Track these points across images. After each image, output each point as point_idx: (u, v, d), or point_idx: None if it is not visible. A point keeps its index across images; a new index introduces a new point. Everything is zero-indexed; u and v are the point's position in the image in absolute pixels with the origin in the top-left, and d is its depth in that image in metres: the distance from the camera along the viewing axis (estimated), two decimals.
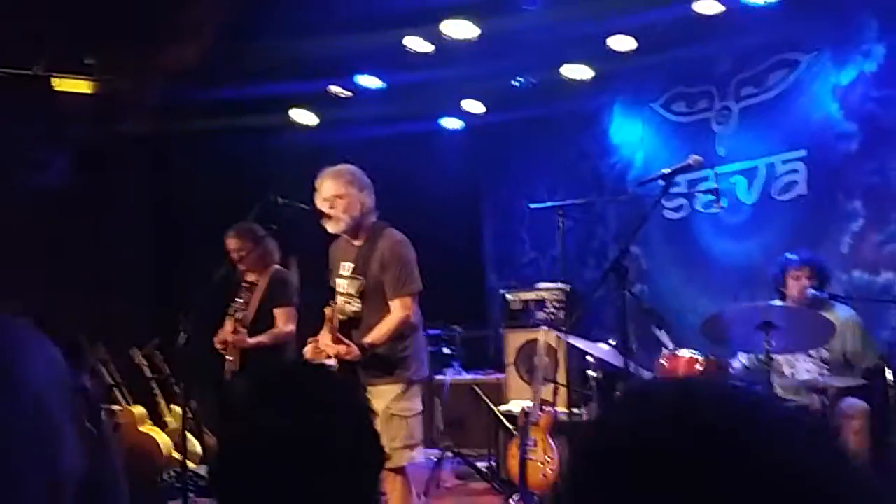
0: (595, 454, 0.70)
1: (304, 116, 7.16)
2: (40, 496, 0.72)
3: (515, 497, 5.02)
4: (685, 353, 4.35)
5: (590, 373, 4.94)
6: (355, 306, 3.85)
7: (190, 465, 5.35)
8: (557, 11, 5.40)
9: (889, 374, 3.76)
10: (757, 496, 0.61)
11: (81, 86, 6.45)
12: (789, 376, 4.38)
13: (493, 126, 7.45)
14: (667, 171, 3.53)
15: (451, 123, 7.61)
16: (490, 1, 5.45)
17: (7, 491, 0.71)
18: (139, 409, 5.99)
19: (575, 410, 4.70)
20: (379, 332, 3.75)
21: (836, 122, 5.47)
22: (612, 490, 0.65)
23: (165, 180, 7.04)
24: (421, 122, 7.26)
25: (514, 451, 5.08)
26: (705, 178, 5.54)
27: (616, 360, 4.46)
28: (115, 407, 5.85)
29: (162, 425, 6.10)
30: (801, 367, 4.39)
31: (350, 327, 3.83)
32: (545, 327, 5.27)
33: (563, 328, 4.61)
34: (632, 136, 6.90)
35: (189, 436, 5.47)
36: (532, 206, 5.42)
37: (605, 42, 5.87)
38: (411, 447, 3.80)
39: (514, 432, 5.21)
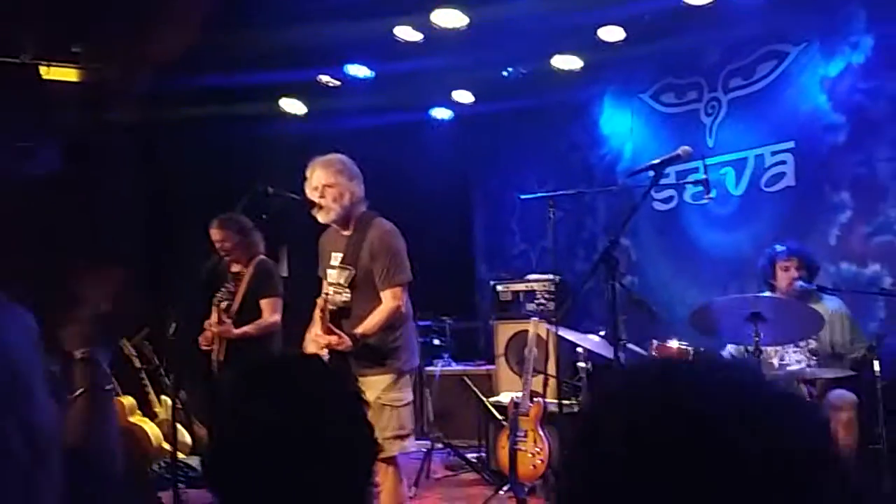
0: (588, 442, 0.70)
1: (293, 106, 7.13)
2: (13, 436, 0.74)
3: (505, 488, 5.04)
4: (674, 343, 4.37)
5: (580, 364, 4.96)
6: (345, 296, 3.85)
7: (180, 455, 5.35)
8: (548, 1, 5.39)
9: (877, 366, 3.78)
10: (747, 480, 0.62)
11: (69, 74, 6.41)
12: (778, 367, 4.41)
13: (483, 116, 7.44)
14: (656, 162, 3.53)
15: (440, 113, 7.59)
16: None
17: None
18: (129, 400, 5.97)
19: (565, 402, 4.72)
20: (370, 323, 3.75)
21: (824, 114, 5.50)
22: (606, 478, 0.66)
23: (154, 170, 7.00)
24: (411, 112, 7.25)
25: (503, 442, 5.10)
26: (694, 170, 5.56)
27: (606, 351, 4.48)
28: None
29: (151, 416, 6.09)
30: (789, 359, 4.42)
31: (340, 317, 3.83)
32: (535, 318, 5.29)
33: (553, 319, 4.63)
34: (621, 126, 6.91)
35: (179, 426, 5.47)
36: (522, 197, 5.41)
37: (595, 32, 5.87)
38: (402, 437, 3.81)
39: (504, 423, 5.23)
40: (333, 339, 3.69)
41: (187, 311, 4.85)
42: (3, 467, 0.73)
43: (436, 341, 7.06)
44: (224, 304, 4.76)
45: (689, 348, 4.32)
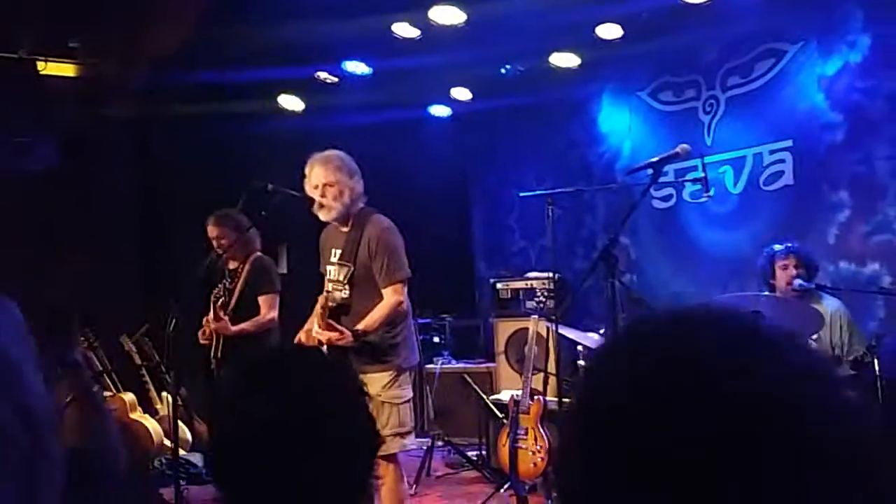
0: (590, 393, 0.70)
1: (291, 102, 7.13)
2: (11, 420, 0.76)
3: (506, 486, 5.06)
4: None
5: (579, 362, 4.98)
6: (344, 293, 3.86)
7: (181, 452, 5.35)
8: None
9: (877, 365, 3.80)
10: (744, 429, 0.62)
11: (67, 69, 6.39)
12: None
13: (482, 114, 7.44)
14: (655, 160, 3.53)
15: (438, 111, 7.59)
16: None
17: None
18: (129, 397, 5.98)
19: (565, 399, 4.73)
20: (371, 319, 3.76)
21: (822, 113, 5.51)
22: (607, 427, 0.66)
23: (153, 166, 7.00)
24: (409, 110, 7.24)
25: (504, 440, 5.11)
26: (693, 168, 5.57)
27: None
28: (105, 394, 5.84)
29: (152, 412, 6.10)
30: None
31: (339, 314, 3.83)
32: (535, 316, 5.30)
33: (553, 317, 4.63)
34: (620, 124, 6.92)
35: (179, 423, 5.47)
36: (521, 194, 5.42)
37: (593, 30, 5.87)
38: (402, 434, 3.82)
39: (505, 421, 5.24)
40: (334, 335, 3.69)
41: (187, 308, 4.85)
42: (3, 453, 0.74)
43: (436, 339, 7.07)
44: (221, 301, 4.76)
45: None
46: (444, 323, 7.14)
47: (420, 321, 6.43)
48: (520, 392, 5.15)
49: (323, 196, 3.86)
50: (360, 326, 3.73)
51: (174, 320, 4.32)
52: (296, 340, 3.92)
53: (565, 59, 6.43)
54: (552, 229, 4.45)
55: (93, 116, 6.56)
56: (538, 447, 4.94)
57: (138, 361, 6.10)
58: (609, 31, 5.87)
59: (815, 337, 4.27)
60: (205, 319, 4.76)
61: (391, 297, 3.81)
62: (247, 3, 5.62)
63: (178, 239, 6.67)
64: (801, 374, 0.66)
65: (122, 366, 6.09)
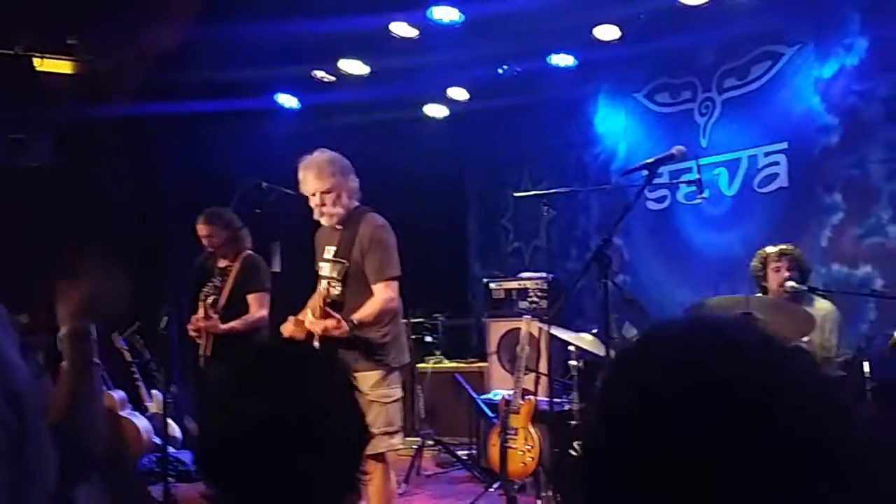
0: (605, 397, 0.74)
1: (287, 100, 7.12)
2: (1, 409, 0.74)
3: (496, 485, 5.05)
4: None
5: (571, 363, 4.97)
6: (337, 289, 3.86)
7: (170, 450, 5.35)
8: (543, 0, 5.39)
9: (866, 367, 3.80)
10: (746, 435, 0.65)
11: (63, 66, 6.38)
12: None
13: (478, 114, 7.44)
14: (650, 161, 3.53)
15: (435, 111, 7.59)
16: None
17: None
18: (119, 394, 5.97)
19: (556, 400, 4.72)
20: (366, 311, 3.75)
21: (818, 115, 5.51)
22: (619, 431, 0.70)
23: (148, 163, 6.99)
24: (405, 109, 7.24)
25: (494, 440, 5.10)
26: (688, 170, 5.56)
27: (598, 350, 4.49)
28: None
29: (142, 410, 6.09)
30: None
31: (332, 310, 3.82)
32: (527, 316, 5.29)
33: (546, 318, 4.63)
34: (616, 126, 6.92)
35: (169, 421, 5.47)
36: (516, 194, 5.42)
37: (590, 31, 5.87)
38: (391, 434, 3.81)
39: (495, 421, 5.24)
40: (331, 322, 3.67)
41: (179, 306, 4.84)
42: None
43: (428, 338, 7.06)
44: (210, 299, 4.74)
45: None
46: (436, 322, 7.13)
47: (413, 320, 6.43)
48: (511, 392, 5.14)
49: (322, 204, 3.87)
50: (355, 317, 3.73)
51: (165, 318, 4.31)
52: (283, 328, 3.92)
53: (562, 60, 6.43)
54: (546, 230, 4.45)
55: (88, 114, 6.55)
56: (528, 447, 4.94)
57: (129, 359, 6.09)
58: (606, 32, 5.87)
59: (805, 339, 4.27)
60: (194, 317, 4.74)
61: (382, 292, 3.81)
62: (246, 2, 5.61)
63: (171, 237, 6.67)
64: (800, 378, 0.70)
65: (113, 363, 6.07)
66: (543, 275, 6.44)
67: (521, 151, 7.56)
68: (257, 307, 4.87)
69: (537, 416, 4.99)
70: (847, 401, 0.70)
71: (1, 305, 0.83)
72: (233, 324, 4.76)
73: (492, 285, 6.81)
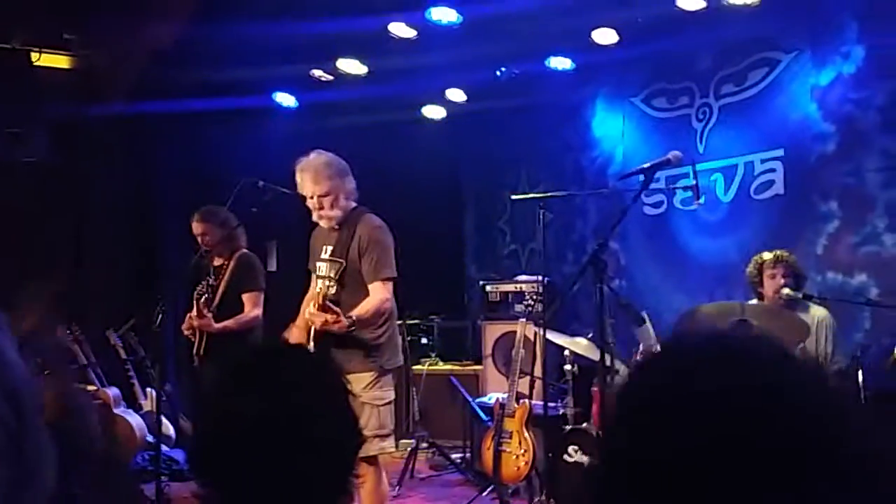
0: (633, 410, 0.76)
1: (285, 99, 7.11)
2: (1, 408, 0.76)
3: (489, 489, 5.05)
4: (661, 349, 4.38)
5: (566, 367, 4.98)
6: (333, 289, 3.86)
7: (164, 448, 5.34)
8: (542, 3, 5.39)
9: (860, 376, 3.81)
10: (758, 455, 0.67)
11: (60, 61, 6.37)
12: None
13: (475, 115, 7.44)
14: (646, 166, 3.54)
15: (433, 112, 7.59)
16: None
17: None
18: (113, 391, 5.95)
19: (550, 404, 4.73)
20: (363, 309, 3.76)
21: (814, 123, 5.52)
22: (651, 446, 0.71)
23: (145, 161, 6.98)
24: (403, 110, 7.24)
25: (488, 443, 5.11)
26: (685, 175, 5.57)
27: (593, 354, 4.49)
28: (90, 388, 5.81)
29: (136, 408, 6.08)
30: None
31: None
32: (523, 320, 5.29)
33: (541, 321, 4.63)
34: (613, 130, 6.92)
35: (163, 419, 5.46)
36: (513, 197, 5.42)
37: (588, 35, 5.88)
38: (383, 437, 3.81)
39: (490, 424, 5.24)
40: (330, 317, 3.67)
41: (173, 304, 4.84)
42: None
43: (423, 340, 7.06)
44: (203, 298, 4.74)
45: None
46: (432, 324, 7.13)
47: (408, 322, 6.43)
48: (506, 395, 5.14)
49: (320, 207, 3.87)
50: (353, 313, 3.73)
51: (160, 316, 4.31)
52: (288, 335, 3.91)
53: (560, 63, 6.43)
54: (543, 233, 4.46)
55: (85, 110, 6.54)
56: (522, 451, 4.94)
57: (124, 356, 6.08)
58: (604, 36, 5.88)
59: (800, 347, 4.28)
60: (188, 316, 4.74)
61: (379, 292, 3.82)
62: (245, 0, 5.61)
63: (167, 235, 6.65)
64: (801, 379, 0.72)
65: (108, 360, 6.06)
66: (539, 278, 6.45)
67: (518, 154, 7.57)
68: (251, 306, 4.86)
69: (532, 420, 5.00)
70: (847, 401, 0.73)
71: None
72: (226, 323, 4.75)
73: (488, 288, 6.82)
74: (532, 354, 5.18)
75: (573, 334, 5.05)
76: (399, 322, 4.19)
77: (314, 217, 3.94)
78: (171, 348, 5.48)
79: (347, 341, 3.75)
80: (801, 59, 5.62)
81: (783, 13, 5.48)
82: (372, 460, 3.72)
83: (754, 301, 4.50)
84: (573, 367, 4.97)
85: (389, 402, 3.88)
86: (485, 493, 5.08)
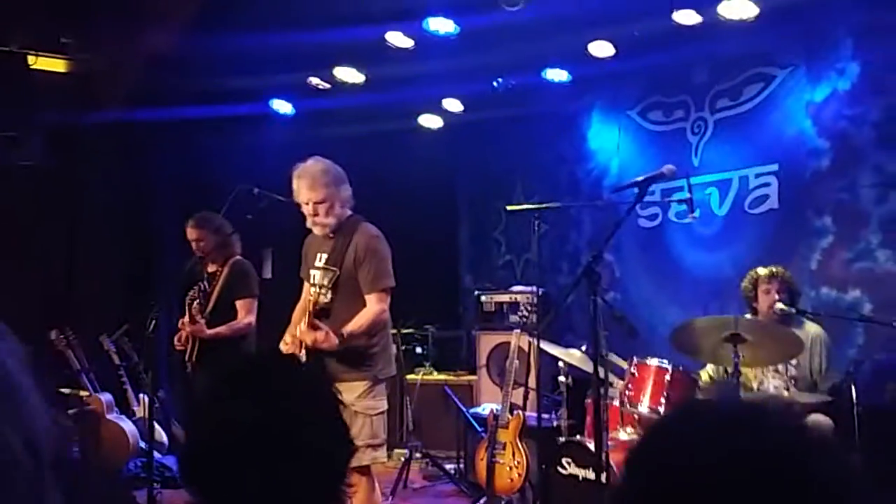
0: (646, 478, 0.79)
1: (282, 107, 7.12)
2: (17, 445, 0.73)
3: (482, 500, 5.04)
4: (654, 362, 4.40)
5: (560, 378, 4.98)
6: (327, 297, 3.85)
7: (156, 455, 5.31)
8: (539, 15, 5.41)
9: (854, 392, 3.82)
10: None
11: (57, 65, 6.36)
12: (756, 391, 4.43)
13: (472, 125, 7.46)
14: (640, 179, 3.55)
15: (429, 121, 7.61)
16: (472, 0, 5.45)
17: None
18: (106, 397, 5.93)
19: (544, 415, 4.73)
20: (356, 324, 3.75)
21: (809, 138, 5.55)
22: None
23: (140, 167, 6.97)
24: (400, 119, 7.25)
25: (482, 454, 5.10)
26: (680, 188, 5.59)
27: (587, 366, 4.49)
28: (83, 393, 5.79)
29: (129, 414, 6.05)
30: (768, 384, 4.45)
31: (321, 317, 3.82)
32: (517, 330, 5.30)
33: (536, 332, 4.64)
34: (609, 142, 6.95)
35: (156, 426, 5.43)
36: (509, 208, 5.42)
37: (585, 47, 5.90)
38: (375, 447, 3.80)
39: (483, 435, 5.23)
40: (320, 334, 3.67)
41: (167, 310, 4.83)
42: (11, 478, 0.72)
43: (418, 349, 7.05)
44: (196, 304, 4.73)
45: (669, 366, 4.35)
46: (426, 333, 7.12)
47: (403, 331, 6.43)
48: (500, 406, 5.14)
49: (315, 214, 3.87)
50: (345, 329, 3.72)
51: (154, 322, 4.30)
52: (281, 345, 3.91)
53: (556, 75, 6.46)
54: (537, 244, 4.46)
55: (82, 114, 6.53)
56: (516, 462, 4.94)
57: (117, 361, 6.06)
58: (601, 49, 5.90)
59: (794, 362, 4.30)
60: (180, 322, 4.73)
61: (374, 304, 3.81)
62: (246, 10, 5.61)
63: (162, 241, 6.64)
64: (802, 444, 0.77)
65: (101, 365, 6.04)
66: (534, 289, 6.45)
67: (514, 164, 7.58)
68: (245, 313, 4.86)
69: (525, 432, 4.99)
70: (850, 466, 0.77)
71: (18, 343, 0.81)
72: (219, 329, 4.74)
73: (483, 298, 6.82)
74: (526, 365, 5.18)
75: (567, 346, 5.06)
76: (393, 331, 4.19)
77: (308, 224, 3.93)
78: (164, 354, 5.46)
79: (341, 350, 3.74)
80: (797, 75, 5.66)
81: (779, 29, 5.52)
82: (364, 470, 3.72)
83: (748, 315, 4.51)
84: (567, 378, 4.97)
85: (382, 412, 3.88)
86: None
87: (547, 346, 4.77)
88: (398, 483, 5.68)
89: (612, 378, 4.50)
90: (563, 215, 6.94)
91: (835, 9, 5.31)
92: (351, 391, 3.68)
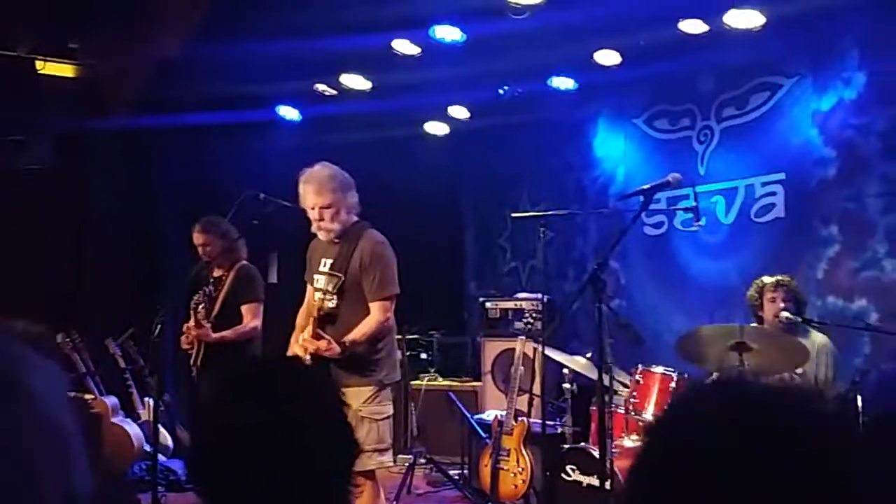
0: (657, 457, 0.80)
1: (289, 113, 7.14)
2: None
3: None
4: (659, 370, 4.40)
5: (565, 385, 4.98)
6: (331, 303, 3.86)
7: (161, 458, 5.32)
8: (545, 23, 5.42)
9: (859, 401, 3.81)
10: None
11: (65, 69, 6.40)
12: None
13: (478, 133, 7.47)
14: (646, 187, 3.56)
15: (435, 128, 7.62)
16: (478, 8, 5.47)
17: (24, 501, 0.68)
18: (112, 400, 5.94)
19: (549, 422, 4.72)
20: (360, 332, 3.76)
21: (815, 148, 5.55)
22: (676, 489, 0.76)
23: (147, 171, 6.99)
24: (406, 126, 7.27)
25: (486, 461, 5.10)
26: (685, 196, 5.59)
27: (592, 373, 4.49)
28: (88, 396, 5.80)
29: (134, 417, 6.06)
30: None
31: (325, 323, 3.83)
32: (522, 337, 5.30)
33: (541, 339, 4.64)
34: (615, 150, 6.95)
35: (161, 429, 5.44)
36: (514, 215, 5.43)
37: (591, 56, 5.92)
38: (380, 451, 3.81)
39: (488, 441, 5.23)
40: (322, 343, 3.69)
41: (173, 314, 4.84)
42: None
43: (423, 355, 7.05)
44: (202, 308, 4.74)
45: (674, 374, 4.35)
46: (431, 339, 7.12)
47: (408, 337, 6.43)
48: (504, 412, 5.14)
49: (321, 219, 3.88)
50: (348, 338, 3.73)
51: (159, 326, 4.31)
52: (290, 351, 3.92)
53: (562, 83, 6.47)
54: (543, 250, 4.47)
55: (89, 118, 6.56)
56: (520, 469, 4.93)
57: (122, 365, 6.08)
58: (607, 57, 5.92)
59: (799, 371, 4.29)
60: (185, 326, 4.74)
61: (379, 312, 3.82)
62: (253, 17, 5.64)
63: (169, 245, 6.66)
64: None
65: (107, 369, 6.06)
66: (539, 295, 6.46)
67: (519, 172, 7.59)
68: (250, 317, 4.87)
69: (530, 438, 4.99)
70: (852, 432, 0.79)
71: (66, 378, 0.77)
72: (224, 333, 4.75)
73: (488, 304, 6.82)
74: (531, 372, 5.19)
75: (572, 353, 5.05)
76: (398, 337, 4.20)
77: (313, 228, 3.94)
78: (169, 358, 5.47)
79: (348, 356, 3.75)
80: (803, 84, 5.66)
81: (785, 38, 5.52)
82: (370, 475, 3.72)
83: (754, 324, 4.50)
84: (572, 385, 4.97)
85: (388, 417, 3.88)
86: None
87: (552, 353, 4.78)
88: (402, 488, 5.68)
89: (616, 385, 4.50)
90: (569, 222, 6.95)
91: (841, 18, 5.31)
92: (357, 396, 3.68)
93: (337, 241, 3.93)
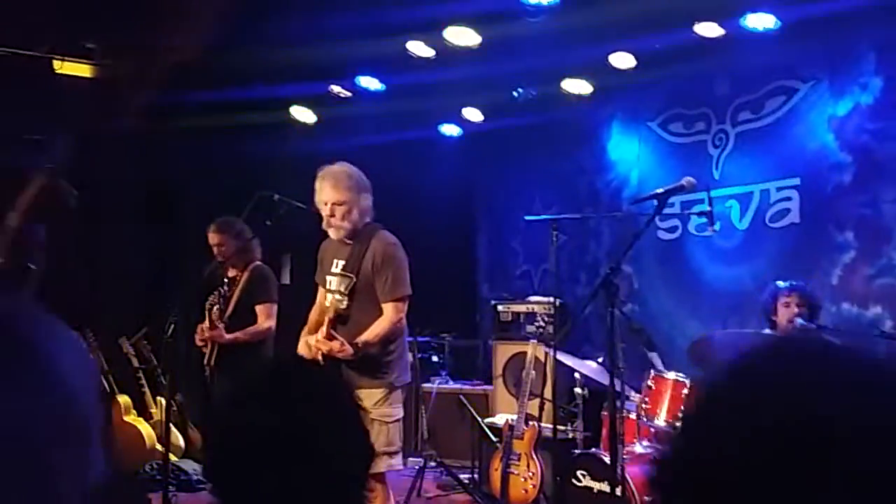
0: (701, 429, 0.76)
1: (303, 115, 7.16)
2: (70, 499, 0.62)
3: None
4: (671, 375, 4.37)
5: (576, 390, 4.96)
6: (343, 303, 3.86)
7: (172, 458, 5.34)
8: (560, 25, 5.42)
9: None
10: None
11: (83, 69, 6.43)
12: None
13: (491, 135, 7.47)
14: (660, 191, 3.54)
15: (449, 130, 7.62)
16: (493, 11, 5.47)
17: (39, 498, 0.61)
18: (125, 399, 5.98)
19: (560, 427, 4.71)
20: (372, 333, 3.76)
21: (831, 153, 5.51)
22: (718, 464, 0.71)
23: (162, 173, 7.03)
24: (420, 128, 7.27)
25: (497, 465, 5.09)
26: (700, 201, 5.56)
27: (603, 378, 4.48)
28: None
29: (147, 416, 6.09)
30: None
31: (337, 324, 3.84)
32: (534, 341, 5.29)
33: (553, 343, 4.62)
34: (629, 153, 6.93)
35: (173, 429, 5.47)
36: (527, 218, 5.42)
37: (606, 58, 5.90)
38: (391, 454, 3.81)
39: (498, 445, 5.22)
40: (336, 344, 3.70)
41: (186, 314, 4.86)
42: None
43: (434, 358, 7.05)
44: (216, 309, 4.76)
45: (686, 380, 4.33)
46: (443, 342, 7.12)
47: (419, 339, 6.43)
48: (515, 416, 5.13)
49: (332, 215, 3.88)
50: (360, 339, 3.73)
51: (173, 325, 4.33)
52: (300, 350, 3.93)
53: (577, 86, 6.45)
54: (556, 254, 4.46)
55: (106, 118, 6.60)
56: (530, 473, 4.92)
57: (136, 364, 6.11)
58: (622, 60, 5.90)
59: None
60: (199, 326, 4.76)
61: (391, 313, 3.82)
62: (269, 19, 5.66)
63: (184, 245, 6.69)
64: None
65: (120, 368, 6.09)
66: (552, 299, 6.44)
67: (533, 174, 7.58)
68: (264, 318, 4.89)
69: (540, 443, 4.98)
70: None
71: (93, 360, 0.72)
72: (237, 334, 4.77)
73: (500, 307, 6.81)
74: (542, 376, 5.17)
75: (584, 357, 5.04)
76: (409, 339, 4.19)
77: (324, 225, 3.94)
78: (182, 358, 5.50)
79: (357, 358, 3.75)
80: (819, 89, 5.62)
81: (801, 42, 5.49)
82: (380, 477, 3.72)
83: (767, 330, 4.47)
84: (583, 390, 4.95)
85: (398, 420, 3.88)
86: None
87: (563, 358, 4.76)
88: (412, 491, 5.67)
89: (628, 391, 4.48)
90: (582, 226, 6.93)
91: (858, 23, 5.27)
92: (368, 399, 3.69)
93: (349, 242, 3.94)
